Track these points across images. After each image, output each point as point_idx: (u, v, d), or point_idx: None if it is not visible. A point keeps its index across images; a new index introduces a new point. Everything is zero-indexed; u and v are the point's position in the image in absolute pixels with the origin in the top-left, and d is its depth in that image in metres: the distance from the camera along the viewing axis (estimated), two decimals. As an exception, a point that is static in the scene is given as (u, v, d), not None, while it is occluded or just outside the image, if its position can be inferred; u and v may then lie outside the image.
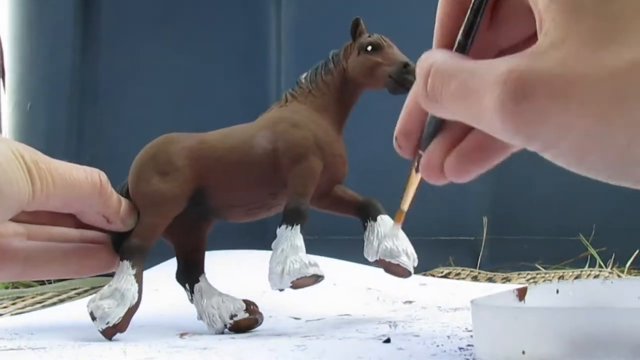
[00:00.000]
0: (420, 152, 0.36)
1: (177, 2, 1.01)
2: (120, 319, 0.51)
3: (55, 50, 1.03)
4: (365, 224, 0.58)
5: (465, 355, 0.44)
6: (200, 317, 0.56)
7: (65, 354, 0.45)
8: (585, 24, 0.26)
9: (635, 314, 0.35)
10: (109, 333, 0.51)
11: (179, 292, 0.58)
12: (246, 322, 0.55)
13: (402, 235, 0.58)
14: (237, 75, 0.98)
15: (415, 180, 0.40)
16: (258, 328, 0.56)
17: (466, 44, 0.33)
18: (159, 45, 0.99)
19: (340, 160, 0.58)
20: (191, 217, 0.56)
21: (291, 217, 0.54)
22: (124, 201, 0.54)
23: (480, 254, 0.97)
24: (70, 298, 0.78)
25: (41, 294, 0.80)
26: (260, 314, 0.56)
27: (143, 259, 0.53)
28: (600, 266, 0.93)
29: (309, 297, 0.59)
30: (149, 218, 0.54)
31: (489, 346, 0.39)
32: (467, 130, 0.34)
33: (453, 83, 0.29)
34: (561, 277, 0.87)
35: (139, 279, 0.53)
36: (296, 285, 0.53)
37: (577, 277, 0.87)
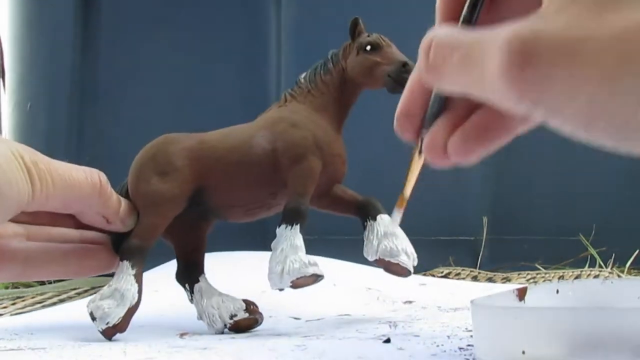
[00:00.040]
0: (423, 132, 0.35)
1: (177, 2, 1.01)
2: (120, 319, 0.51)
3: (55, 50, 1.03)
4: (365, 223, 0.58)
5: (465, 355, 0.44)
6: (200, 317, 0.56)
7: (65, 354, 0.45)
8: None
9: (635, 314, 0.35)
10: (109, 333, 0.51)
11: (179, 292, 0.58)
12: (246, 322, 0.55)
13: (401, 234, 0.58)
14: (237, 75, 0.98)
15: (417, 164, 0.38)
16: (258, 328, 0.56)
17: (471, 18, 0.33)
18: (159, 45, 0.99)
19: (340, 159, 0.58)
20: (191, 217, 0.56)
21: (291, 217, 0.54)
22: (123, 201, 0.54)
23: (480, 254, 0.97)
24: (70, 298, 0.78)
25: (41, 294, 0.80)
26: (260, 313, 0.56)
27: (143, 259, 0.53)
28: (600, 266, 0.93)
29: (309, 297, 0.59)
30: (149, 218, 0.54)
31: (489, 346, 0.39)
32: (472, 109, 0.33)
33: (455, 54, 0.29)
34: (561, 277, 0.87)
35: (138, 279, 0.53)
36: (296, 284, 0.53)
37: (577, 277, 0.87)
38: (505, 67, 0.25)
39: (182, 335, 0.53)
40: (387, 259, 0.57)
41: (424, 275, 0.87)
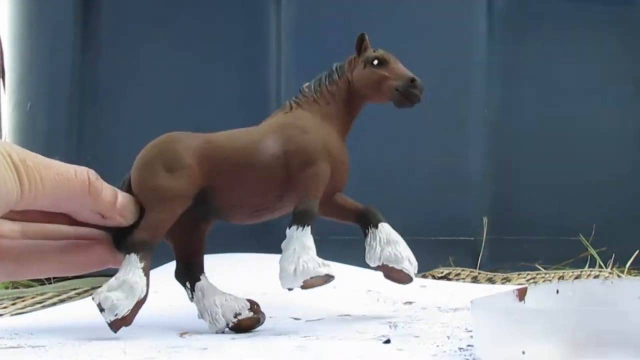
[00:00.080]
0: None
1: (177, 2, 1.01)
2: (128, 312, 0.51)
3: (55, 50, 1.03)
4: (366, 231, 0.58)
5: (465, 355, 0.44)
6: (201, 316, 0.56)
7: (65, 353, 0.46)
8: None
9: (635, 314, 0.35)
10: (117, 325, 0.51)
11: (179, 292, 0.58)
12: (248, 321, 0.55)
13: (403, 242, 0.58)
14: (237, 75, 0.98)
15: None
16: (258, 328, 0.56)
17: None
18: (159, 45, 0.99)
19: (344, 167, 0.59)
20: (192, 217, 0.56)
21: (301, 218, 0.54)
22: (120, 195, 0.52)
23: (480, 254, 0.97)
24: (70, 298, 0.78)
25: (41, 294, 0.80)
26: (263, 313, 0.56)
27: (150, 253, 0.53)
28: (600, 266, 0.93)
29: (309, 298, 0.59)
30: (157, 214, 0.54)
31: (489, 346, 0.39)
32: None
33: None
34: (561, 278, 0.87)
35: (146, 272, 0.52)
36: (307, 285, 0.53)
37: (577, 278, 0.87)
38: None
39: (182, 335, 0.53)
40: (390, 265, 0.57)
41: (424, 275, 0.87)
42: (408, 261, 0.58)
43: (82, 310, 0.66)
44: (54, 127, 1.02)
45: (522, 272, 0.91)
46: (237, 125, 0.59)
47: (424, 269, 0.89)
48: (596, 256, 0.95)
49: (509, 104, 1.00)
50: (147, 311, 0.53)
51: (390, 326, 0.55)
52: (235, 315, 0.55)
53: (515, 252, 0.99)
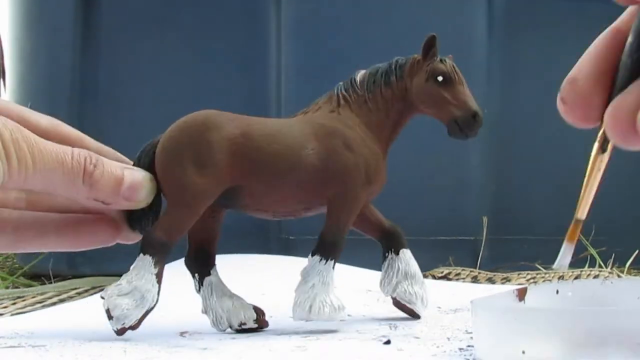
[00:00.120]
0: (609, 107, 0.26)
1: (177, 2, 1.01)
2: (136, 321, 0.50)
3: (55, 50, 1.03)
4: (386, 254, 0.58)
5: (465, 355, 0.44)
6: (205, 312, 0.55)
7: (65, 352, 0.46)
8: None
9: (635, 314, 0.35)
10: (122, 332, 0.50)
11: (180, 292, 0.57)
12: (251, 329, 0.55)
13: (419, 277, 0.58)
14: (237, 75, 0.98)
15: (598, 163, 0.28)
16: (258, 328, 0.56)
17: None
18: (159, 45, 0.99)
19: (381, 185, 0.56)
20: (210, 206, 0.53)
21: (327, 251, 0.53)
22: (129, 175, 0.48)
23: (480, 254, 0.97)
24: (70, 298, 0.78)
25: (41, 294, 0.80)
26: (267, 322, 0.55)
27: (166, 256, 0.51)
28: (600, 266, 0.93)
29: (309, 297, 0.59)
30: (179, 212, 0.51)
31: (489, 346, 0.39)
32: None
33: None
34: (561, 277, 0.87)
35: (159, 279, 0.50)
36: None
37: (577, 277, 0.87)
38: None
39: (182, 334, 0.53)
40: (402, 302, 0.58)
41: (424, 275, 0.87)
42: (421, 301, 0.58)
43: (83, 310, 0.66)
44: (54, 127, 1.02)
45: (522, 272, 0.91)
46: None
47: (424, 269, 0.89)
48: (596, 256, 0.95)
49: (509, 104, 1.00)
50: (148, 311, 0.53)
51: (390, 327, 0.55)
52: (240, 325, 0.54)
53: (515, 252, 0.99)
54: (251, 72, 0.98)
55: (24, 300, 0.76)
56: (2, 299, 0.77)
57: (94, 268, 0.90)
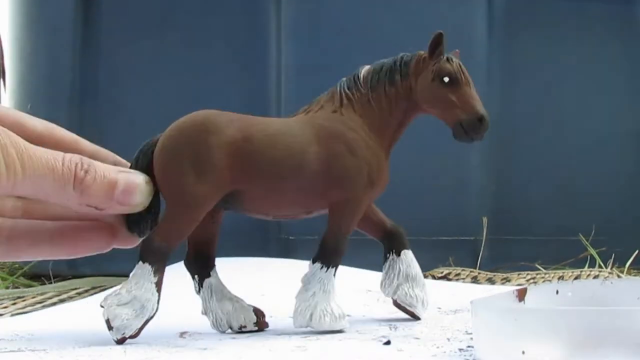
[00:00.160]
0: None
1: (177, 2, 1.01)
2: (137, 331, 0.49)
3: (55, 50, 1.03)
4: (388, 255, 0.58)
5: (465, 355, 0.44)
6: (204, 313, 0.55)
7: (65, 354, 0.46)
8: None
9: (635, 314, 0.35)
10: (122, 341, 0.49)
11: (180, 293, 0.57)
12: (251, 331, 0.55)
13: (420, 278, 0.58)
14: (237, 75, 0.98)
15: None
16: (258, 328, 0.56)
17: None
18: (159, 45, 0.99)
19: (384, 186, 0.55)
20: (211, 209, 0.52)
21: (328, 258, 0.52)
22: (124, 178, 0.47)
23: (480, 254, 0.97)
24: (70, 298, 0.78)
25: (41, 294, 0.80)
26: (267, 323, 0.55)
27: (165, 263, 0.50)
28: (600, 266, 0.93)
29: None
30: (179, 218, 0.50)
31: (489, 347, 0.39)
32: None
33: None
34: (561, 278, 0.87)
35: (159, 287, 0.50)
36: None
37: (576, 278, 0.87)
38: None
39: (182, 334, 0.53)
40: (402, 305, 0.58)
41: (424, 276, 0.87)
42: (421, 304, 0.58)
43: (83, 310, 0.66)
44: (54, 127, 1.02)
45: (522, 272, 0.91)
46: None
47: (424, 269, 0.89)
48: (596, 256, 0.95)
49: (509, 104, 1.00)
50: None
51: (390, 327, 0.55)
52: (240, 328, 0.54)
53: (515, 252, 0.99)
54: (251, 72, 0.98)
55: (24, 301, 0.76)
56: (2, 299, 0.77)
57: (94, 268, 0.90)
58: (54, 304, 0.74)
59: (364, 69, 0.56)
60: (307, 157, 0.51)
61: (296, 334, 0.52)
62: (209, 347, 0.48)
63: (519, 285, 0.84)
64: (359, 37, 0.95)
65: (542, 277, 0.88)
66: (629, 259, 0.93)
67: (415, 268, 0.58)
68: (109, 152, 0.53)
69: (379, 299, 0.66)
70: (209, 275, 0.54)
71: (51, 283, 0.88)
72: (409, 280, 0.57)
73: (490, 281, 0.88)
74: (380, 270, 0.59)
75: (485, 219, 0.98)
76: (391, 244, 0.58)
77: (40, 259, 0.53)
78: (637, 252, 0.93)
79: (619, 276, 0.87)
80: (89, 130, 1.01)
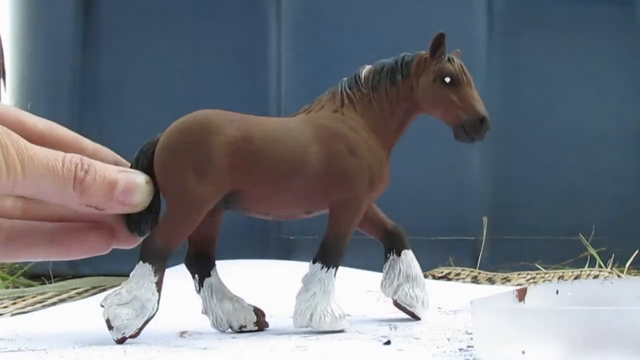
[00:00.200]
0: None
1: (177, 2, 1.01)
2: (137, 330, 0.49)
3: (56, 50, 1.03)
4: (388, 255, 0.58)
5: (465, 355, 0.44)
6: (205, 313, 0.55)
7: (65, 354, 0.46)
8: None
9: (635, 314, 0.35)
10: (122, 341, 0.49)
11: (180, 293, 0.58)
12: (251, 331, 0.55)
13: (421, 278, 0.58)
14: (237, 75, 0.98)
15: None
16: (259, 328, 0.56)
17: None
18: (160, 45, 0.99)
19: (384, 187, 0.55)
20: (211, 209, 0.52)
21: (329, 258, 0.52)
22: (124, 178, 0.47)
23: (480, 254, 0.97)
24: (70, 298, 0.78)
25: (42, 294, 0.80)
26: (267, 323, 0.55)
27: (165, 263, 0.50)
28: (600, 266, 0.93)
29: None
30: (179, 219, 0.50)
31: (489, 346, 0.39)
32: None
33: None
34: (561, 277, 0.87)
35: (159, 287, 0.50)
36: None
37: (576, 277, 0.87)
38: None
39: (182, 334, 0.53)
40: (402, 305, 0.58)
41: (424, 275, 0.87)
42: (422, 304, 0.58)
43: (83, 310, 0.66)
44: (54, 127, 1.02)
45: (522, 272, 0.91)
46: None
47: (424, 269, 0.89)
48: (596, 256, 0.95)
49: (509, 104, 1.00)
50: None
51: (390, 327, 0.55)
52: (240, 327, 0.54)
53: (515, 252, 0.99)
54: (251, 72, 0.98)
55: (24, 300, 0.76)
56: (3, 299, 0.77)
57: (94, 268, 0.90)
58: (54, 303, 0.74)
59: (365, 69, 0.56)
60: (307, 157, 0.51)
61: (296, 333, 0.52)
62: (209, 347, 0.48)
63: (519, 285, 0.84)
64: (359, 37, 0.95)
65: (542, 277, 0.88)
66: (629, 259, 0.93)
67: (416, 268, 0.58)
68: (110, 151, 0.53)
69: (379, 299, 0.66)
70: (209, 275, 0.54)
71: (51, 283, 0.88)
72: (409, 281, 0.57)
73: (490, 281, 0.88)
74: (380, 270, 0.59)
75: (485, 219, 0.98)
76: (391, 244, 0.58)
77: (39, 259, 0.53)
78: (637, 252, 0.93)
79: (619, 276, 0.87)
80: (88, 130, 1.01)
